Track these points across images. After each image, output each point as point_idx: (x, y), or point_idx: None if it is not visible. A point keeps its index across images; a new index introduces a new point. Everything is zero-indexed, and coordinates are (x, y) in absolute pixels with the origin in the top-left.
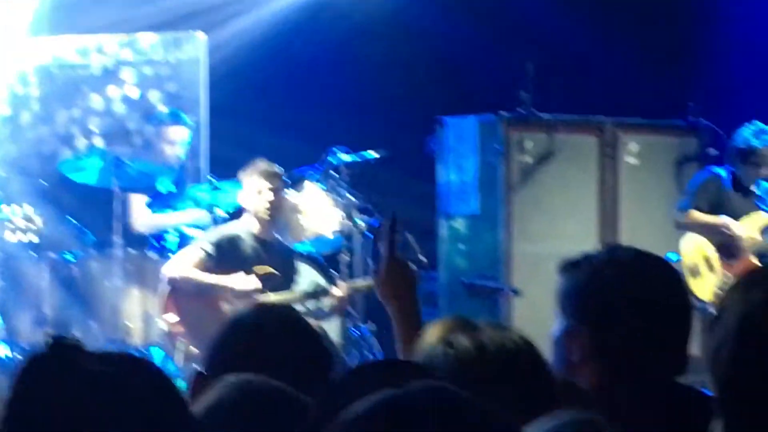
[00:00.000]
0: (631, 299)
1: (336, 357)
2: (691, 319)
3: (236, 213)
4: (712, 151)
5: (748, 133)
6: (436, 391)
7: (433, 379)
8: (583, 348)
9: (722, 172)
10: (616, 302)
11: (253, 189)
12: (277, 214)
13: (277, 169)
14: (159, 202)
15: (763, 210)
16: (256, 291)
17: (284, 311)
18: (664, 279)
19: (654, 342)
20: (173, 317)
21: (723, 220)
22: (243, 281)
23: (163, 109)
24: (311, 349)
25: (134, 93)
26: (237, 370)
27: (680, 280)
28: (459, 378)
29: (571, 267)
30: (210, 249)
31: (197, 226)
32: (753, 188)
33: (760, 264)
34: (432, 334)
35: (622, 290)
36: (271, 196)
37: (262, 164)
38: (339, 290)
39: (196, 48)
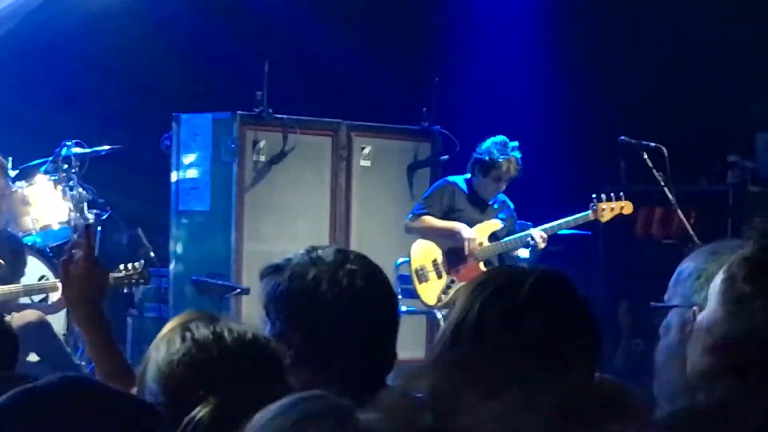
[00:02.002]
0: (332, 299)
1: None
2: (397, 316)
3: None
4: (444, 157)
5: (492, 146)
6: (69, 381)
7: None
8: (293, 351)
9: (460, 180)
10: (318, 303)
11: None
12: None
13: None
14: None
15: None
16: None
17: None
18: (365, 277)
19: (359, 341)
20: None
21: (455, 225)
22: None
23: None
24: None
25: None
26: None
27: (382, 277)
28: (196, 362)
29: (273, 271)
30: None
31: None
32: (490, 201)
33: (485, 269)
34: (172, 323)
35: (322, 291)
36: None
37: None
38: None
39: None
